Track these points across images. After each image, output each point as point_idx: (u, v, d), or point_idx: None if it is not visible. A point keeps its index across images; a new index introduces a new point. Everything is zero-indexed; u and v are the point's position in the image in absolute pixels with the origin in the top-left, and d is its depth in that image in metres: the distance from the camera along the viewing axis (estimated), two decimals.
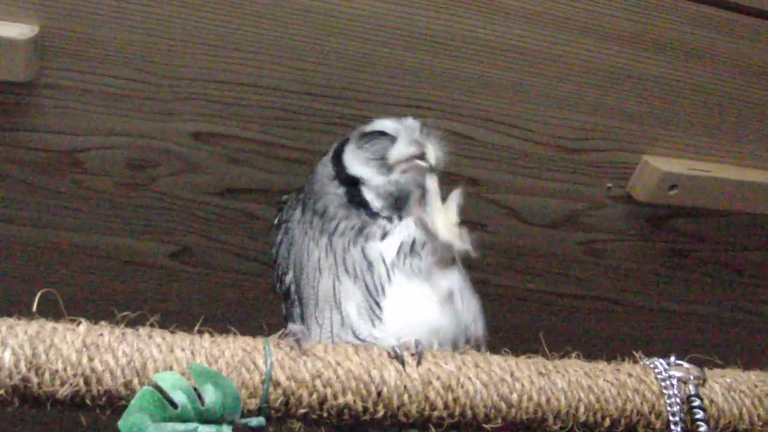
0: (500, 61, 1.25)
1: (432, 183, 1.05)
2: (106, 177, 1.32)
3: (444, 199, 1.07)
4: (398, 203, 1.04)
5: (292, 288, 1.06)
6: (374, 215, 1.03)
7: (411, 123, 1.08)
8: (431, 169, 1.05)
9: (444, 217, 1.01)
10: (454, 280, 1.02)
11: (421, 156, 1.04)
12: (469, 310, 1.02)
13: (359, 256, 1.00)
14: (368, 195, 1.05)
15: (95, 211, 1.36)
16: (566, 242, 1.50)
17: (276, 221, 1.13)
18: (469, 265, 1.08)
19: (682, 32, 1.25)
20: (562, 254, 1.52)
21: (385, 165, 1.05)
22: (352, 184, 1.06)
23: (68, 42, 1.16)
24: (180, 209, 1.38)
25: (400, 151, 1.05)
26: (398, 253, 1.01)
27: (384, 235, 1.02)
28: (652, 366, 1.00)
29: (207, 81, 1.22)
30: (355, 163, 1.07)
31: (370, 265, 0.99)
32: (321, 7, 1.16)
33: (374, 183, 1.05)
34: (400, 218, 1.03)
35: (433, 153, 1.05)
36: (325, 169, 1.09)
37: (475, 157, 1.36)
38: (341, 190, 1.06)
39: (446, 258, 1.01)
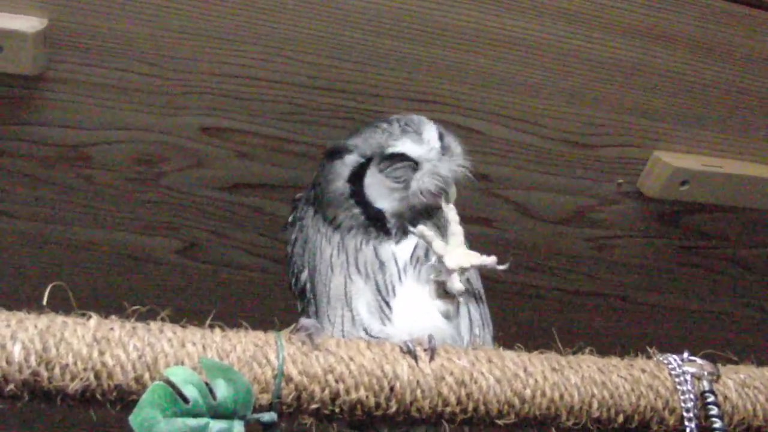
0: (511, 56, 1.24)
1: (451, 212, 1.02)
2: (113, 172, 1.31)
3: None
4: (411, 221, 1.03)
5: (308, 286, 1.05)
6: (388, 232, 1.02)
7: (433, 143, 1.03)
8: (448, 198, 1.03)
9: (459, 247, 0.99)
10: (454, 307, 0.99)
11: (440, 193, 1.02)
12: (476, 321, 1.01)
13: (371, 256, 0.99)
14: (389, 221, 1.03)
15: (102, 206, 1.36)
16: (576, 239, 1.49)
17: (290, 219, 1.12)
18: None
19: (694, 26, 1.24)
20: (572, 251, 1.51)
21: (406, 192, 1.03)
22: (371, 209, 1.03)
23: (77, 35, 1.15)
24: (188, 205, 1.37)
25: (422, 184, 1.02)
26: (411, 256, 0.99)
27: (399, 240, 1.01)
28: (665, 362, 0.99)
29: (216, 75, 1.22)
30: (377, 191, 1.03)
31: (382, 265, 0.98)
32: (331, 0, 1.16)
33: (395, 211, 1.03)
34: (405, 233, 1.02)
35: (454, 187, 1.03)
36: (337, 185, 1.05)
37: (484, 153, 1.35)
38: (358, 210, 1.04)
39: (445, 286, 0.98)
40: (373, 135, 1.05)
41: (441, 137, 1.05)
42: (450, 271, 0.96)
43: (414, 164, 1.03)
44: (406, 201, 1.03)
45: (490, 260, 0.98)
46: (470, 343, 0.99)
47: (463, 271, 0.97)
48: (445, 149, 1.04)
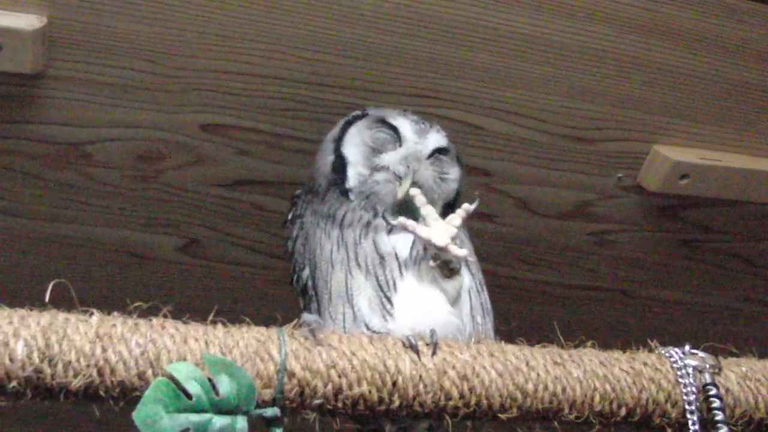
0: (510, 51, 1.24)
1: (417, 196, 1.02)
2: (114, 169, 1.31)
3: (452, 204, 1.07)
4: (374, 205, 1.03)
5: (309, 283, 1.05)
6: (349, 200, 1.04)
7: (426, 141, 1.05)
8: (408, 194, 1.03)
9: (438, 223, 0.99)
10: (461, 282, 1.00)
11: (400, 180, 1.03)
12: (478, 309, 1.01)
13: (371, 250, 0.99)
14: (350, 179, 1.05)
15: (103, 203, 1.36)
16: (576, 233, 1.49)
17: (290, 216, 1.12)
18: (479, 257, 1.07)
19: (694, 20, 1.24)
20: (573, 245, 1.51)
21: (375, 160, 1.05)
22: (342, 161, 1.07)
23: (76, 33, 1.15)
24: (188, 201, 1.37)
25: (391, 160, 1.04)
26: (411, 249, 0.99)
27: (391, 229, 1.00)
28: (667, 355, 0.99)
29: (215, 72, 1.22)
30: (354, 140, 1.07)
31: (382, 259, 0.98)
32: None
33: (357, 170, 1.05)
34: (375, 215, 1.02)
35: (420, 181, 1.04)
36: (334, 130, 1.10)
37: (484, 148, 1.35)
38: (332, 157, 1.07)
39: (448, 264, 0.98)
40: (386, 108, 1.10)
41: (440, 150, 1.07)
42: (444, 248, 0.96)
43: (397, 140, 1.05)
44: (369, 163, 1.05)
45: (465, 210, 1.01)
46: (473, 331, 0.99)
47: (453, 239, 0.97)
48: (434, 158, 1.06)
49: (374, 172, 1.04)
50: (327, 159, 1.08)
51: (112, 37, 1.16)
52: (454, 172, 1.10)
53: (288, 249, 1.11)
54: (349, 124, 1.09)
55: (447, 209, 1.07)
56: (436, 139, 1.07)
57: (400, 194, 1.03)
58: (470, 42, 1.22)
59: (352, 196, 1.04)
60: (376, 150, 1.06)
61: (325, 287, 1.01)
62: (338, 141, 1.08)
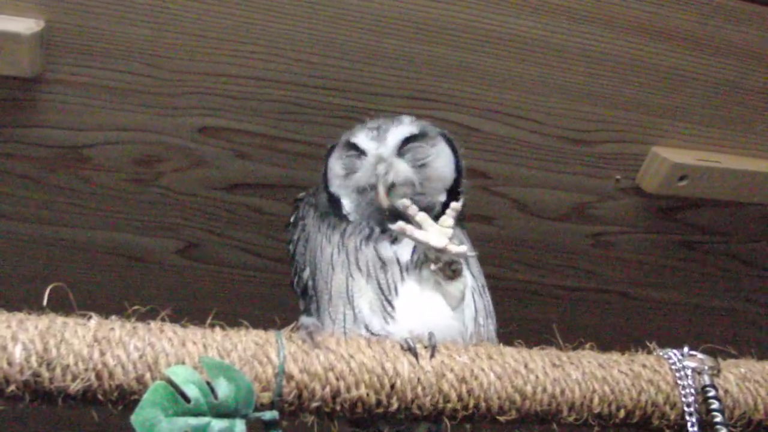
0: (509, 53, 1.24)
1: (410, 208, 1.00)
2: (112, 173, 1.31)
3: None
4: (372, 220, 1.03)
5: (310, 284, 1.05)
6: (346, 219, 1.04)
7: (389, 139, 1.04)
8: (393, 195, 1.02)
9: (434, 227, 0.99)
10: (464, 283, 1.00)
11: (375, 188, 1.02)
12: (480, 311, 1.01)
13: (372, 255, 0.99)
14: (345, 207, 1.05)
15: (101, 207, 1.36)
16: (575, 235, 1.49)
17: (292, 219, 1.12)
18: (478, 259, 1.07)
19: (692, 22, 1.24)
20: (571, 247, 1.51)
21: (352, 183, 1.05)
22: (333, 196, 1.07)
23: (74, 37, 1.15)
24: (186, 205, 1.37)
25: (361, 176, 1.04)
26: (413, 254, 0.99)
27: (395, 239, 1.00)
28: (666, 357, 0.99)
29: (213, 75, 1.22)
30: (333, 174, 1.07)
31: (383, 264, 0.98)
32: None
33: (348, 201, 1.05)
34: (383, 231, 1.02)
35: (395, 180, 1.02)
36: (322, 170, 1.10)
37: (482, 150, 1.35)
38: (324, 196, 1.08)
39: (450, 266, 0.98)
40: (355, 127, 1.08)
41: (411, 138, 1.04)
42: (443, 249, 0.96)
43: (361, 155, 1.04)
44: (351, 188, 1.05)
45: (454, 209, 1.01)
46: (475, 333, 0.98)
47: (451, 239, 0.97)
48: (406, 150, 1.04)
49: (360, 195, 1.04)
50: (322, 196, 1.09)
51: (109, 41, 1.16)
52: (436, 152, 1.06)
53: (289, 251, 1.12)
54: (327, 157, 1.09)
55: (452, 197, 1.06)
56: (398, 132, 1.04)
57: (383, 202, 1.01)
58: (468, 44, 1.22)
59: (351, 219, 1.04)
60: (349, 174, 1.05)
61: (326, 288, 1.01)
62: (325, 178, 1.08)
